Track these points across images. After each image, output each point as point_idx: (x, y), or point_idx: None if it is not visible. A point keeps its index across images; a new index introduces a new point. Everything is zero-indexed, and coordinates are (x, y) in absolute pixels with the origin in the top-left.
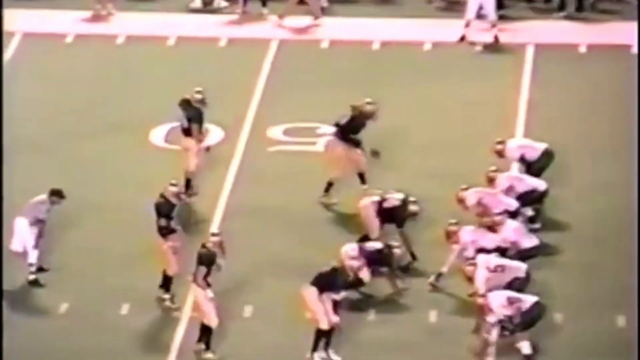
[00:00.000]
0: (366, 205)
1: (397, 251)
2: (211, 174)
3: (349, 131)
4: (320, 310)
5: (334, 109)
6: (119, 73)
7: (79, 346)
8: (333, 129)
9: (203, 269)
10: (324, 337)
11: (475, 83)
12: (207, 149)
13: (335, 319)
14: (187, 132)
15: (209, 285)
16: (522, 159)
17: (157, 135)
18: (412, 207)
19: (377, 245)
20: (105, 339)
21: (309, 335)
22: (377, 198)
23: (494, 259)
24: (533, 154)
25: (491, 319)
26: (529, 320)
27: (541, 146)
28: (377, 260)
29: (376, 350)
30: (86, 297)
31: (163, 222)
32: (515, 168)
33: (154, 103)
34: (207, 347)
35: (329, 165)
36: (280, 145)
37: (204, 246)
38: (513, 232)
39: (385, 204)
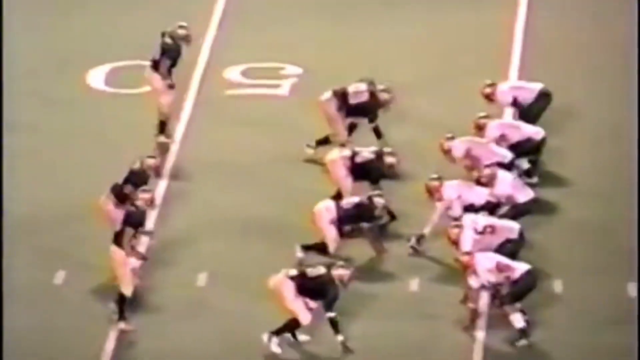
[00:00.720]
0: (335, 160)
1: (378, 200)
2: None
3: (354, 111)
4: (300, 308)
5: (300, 47)
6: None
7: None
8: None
9: (130, 231)
10: (296, 328)
11: (462, 10)
12: (172, 86)
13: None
14: (155, 66)
15: (137, 254)
16: (514, 103)
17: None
18: (389, 159)
19: (354, 199)
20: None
21: (271, 309)
22: (347, 152)
23: (483, 219)
24: (527, 97)
25: (473, 282)
26: (519, 291)
27: (536, 87)
28: (357, 217)
29: (351, 324)
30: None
31: (128, 189)
32: (508, 113)
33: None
34: (120, 317)
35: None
36: (239, 88)
37: (132, 204)
38: (506, 185)
39: (358, 159)
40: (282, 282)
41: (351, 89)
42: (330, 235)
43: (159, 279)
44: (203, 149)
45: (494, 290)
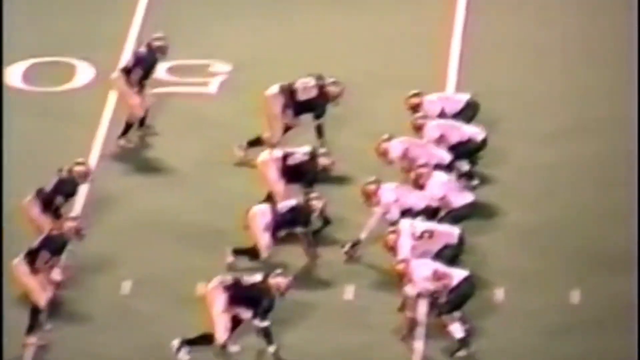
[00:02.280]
0: (266, 161)
1: (315, 203)
2: (80, 122)
3: (301, 107)
4: (221, 325)
5: (229, 44)
6: None
7: None
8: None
9: (45, 254)
10: (209, 344)
11: (401, 10)
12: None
13: (226, 341)
14: (127, 72)
15: (50, 280)
16: (442, 114)
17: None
18: (323, 161)
19: (290, 202)
20: None
21: (200, 316)
22: (279, 153)
23: (420, 224)
24: (454, 107)
25: (410, 290)
26: (457, 299)
27: (463, 97)
28: (292, 221)
29: (283, 333)
30: None
31: (59, 200)
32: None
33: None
34: (30, 330)
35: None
36: (165, 86)
37: (55, 228)
38: (441, 186)
39: (290, 160)
40: (215, 292)
41: (299, 84)
42: (263, 240)
43: (82, 287)
44: (129, 150)
45: (432, 298)
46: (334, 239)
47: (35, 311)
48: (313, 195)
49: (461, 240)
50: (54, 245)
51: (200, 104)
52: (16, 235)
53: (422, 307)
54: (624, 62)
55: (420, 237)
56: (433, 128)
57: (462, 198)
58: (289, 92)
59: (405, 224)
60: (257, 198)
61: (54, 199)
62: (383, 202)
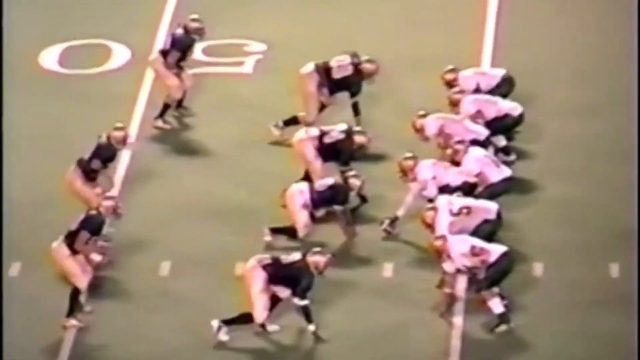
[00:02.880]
0: (302, 140)
1: (354, 182)
2: (116, 104)
3: (337, 86)
4: (260, 304)
5: (264, 23)
6: None
7: None
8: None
9: (85, 235)
10: (248, 323)
11: None
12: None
13: (265, 320)
14: (164, 56)
15: (93, 250)
16: (477, 89)
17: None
18: (359, 138)
19: (328, 181)
20: None
21: (239, 297)
22: (315, 132)
23: (458, 200)
24: (490, 83)
25: (448, 267)
26: (496, 275)
27: (499, 73)
28: (330, 199)
29: (323, 312)
30: None
31: (96, 164)
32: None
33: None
34: (70, 313)
35: (302, 98)
36: (201, 67)
37: (93, 207)
38: (477, 162)
39: (326, 139)
40: (253, 271)
41: (334, 62)
42: (301, 219)
43: (121, 268)
44: (166, 131)
45: (471, 274)
46: (371, 217)
47: (75, 293)
48: (351, 173)
49: (499, 215)
50: (92, 225)
51: (235, 84)
52: (54, 220)
53: (461, 283)
54: None
55: (458, 213)
56: (469, 103)
57: (499, 173)
58: (324, 70)
59: (443, 200)
60: (295, 177)
61: (93, 165)
62: (420, 179)
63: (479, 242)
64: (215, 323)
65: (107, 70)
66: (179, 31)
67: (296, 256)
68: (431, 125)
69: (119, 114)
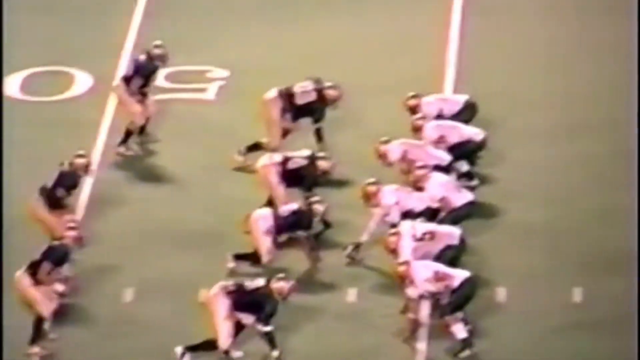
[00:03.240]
0: (266, 165)
1: (317, 207)
2: (79, 131)
3: (300, 111)
4: (225, 331)
5: (227, 49)
6: None
7: None
8: (276, 95)
9: (48, 265)
10: (212, 350)
11: (397, 14)
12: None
13: (229, 347)
14: (127, 82)
15: (56, 280)
16: (440, 115)
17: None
18: (323, 164)
19: (291, 206)
20: None
21: (203, 323)
22: (279, 157)
23: (421, 225)
24: (452, 109)
25: (412, 292)
26: (459, 300)
27: (461, 98)
28: (294, 225)
29: (287, 338)
30: None
31: (60, 192)
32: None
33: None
34: (33, 340)
35: (265, 124)
36: (163, 93)
37: (57, 236)
38: (439, 186)
39: (290, 164)
40: (217, 298)
41: (297, 88)
42: (265, 245)
43: (85, 295)
44: (129, 158)
45: (434, 299)
46: (335, 242)
47: (39, 321)
48: (314, 199)
49: (462, 240)
50: (55, 256)
51: (199, 110)
52: (19, 246)
53: (425, 309)
54: (623, 62)
55: (422, 238)
56: (432, 129)
57: (461, 197)
58: (287, 96)
59: (406, 225)
60: (258, 203)
61: (57, 193)
62: (383, 204)
63: (442, 268)
64: (179, 349)
65: (70, 97)
66: (142, 57)
67: (260, 282)
68: (394, 150)
69: (82, 141)
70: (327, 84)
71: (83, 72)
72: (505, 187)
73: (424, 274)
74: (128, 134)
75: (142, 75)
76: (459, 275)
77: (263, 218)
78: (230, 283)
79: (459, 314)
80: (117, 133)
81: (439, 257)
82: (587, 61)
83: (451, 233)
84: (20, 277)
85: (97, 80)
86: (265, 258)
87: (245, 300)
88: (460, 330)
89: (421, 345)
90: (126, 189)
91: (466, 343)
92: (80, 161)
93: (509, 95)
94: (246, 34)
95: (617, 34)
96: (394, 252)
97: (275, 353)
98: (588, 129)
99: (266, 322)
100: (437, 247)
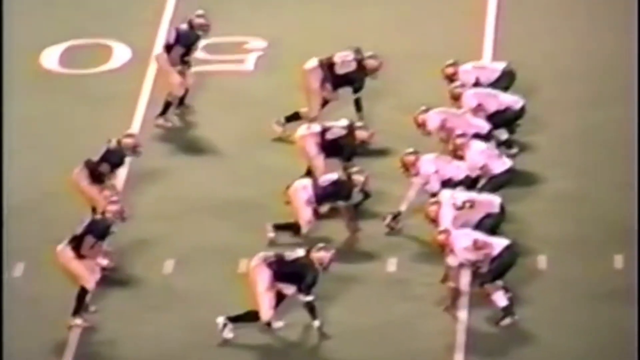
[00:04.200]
0: (304, 136)
1: (357, 177)
2: (118, 103)
3: (340, 81)
4: (266, 302)
5: (265, 20)
6: None
7: None
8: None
9: (90, 239)
10: (254, 321)
11: None
12: (181, 73)
13: (272, 318)
14: (168, 50)
15: (99, 254)
16: (477, 83)
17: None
18: (361, 134)
19: (331, 176)
20: None
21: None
22: (317, 128)
23: (461, 194)
24: (490, 76)
25: (451, 261)
26: (499, 268)
27: (499, 66)
28: (334, 195)
29: (327, 308)
30: None
31: (105, 168)
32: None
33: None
34: (76, 312)
35: (304, 93)
36: (202, 64)
37: (97, 211)
38: (479, 154)
39: (328, 135)
40: (258, 269)
41: (338, 58)
42: (305, 215)
43: (125, 266)
44: (168, 129)
45: (474, 268)
46: (374, 212)
47: (82, 293)
48: (354, 169)
49: (502, 209)
50: (98, 230)
51: (237, 81)
52: (59, 219)
53: (465, 277)
54: None
55: (462, 207)
56: (470, 97)
57: (501, 165)
58: (327, 66)
59: (446, 194)
60: (298, 173)
61: (101, 168)
62: (422, 173)
63: (481, 236)
64: (220, 320)
65: (108, 70)
66: (184, 26)
67: (300, 252)
68: (433, 119)
69: (120, 113)
70: (367, 53)
71: (122, 44)
72: (545, 155)
73: (464, 242)
74: (167, 105)
75: (183, 45)
76: (498, 243)
77: (303, 188)
78: (270, 254)
79: (499, 282)
80: (156, 105)
81: (478, 226)
82: (629, 30)
83: (491, 201)
84: (62, 250)
85: (135, 52)
86: (305, 228)
87: (286, 271)
88: (500, 298)
89: (462, 314)
90: (166, 161)
91: (507, 311)
92: (129, 140)
93: (547, 63)
94: (284, 5)
95: None
96: (434, 221)
97: (316, 323)
98: (625, 95)
99: (307, 292)
100: (477, 215)
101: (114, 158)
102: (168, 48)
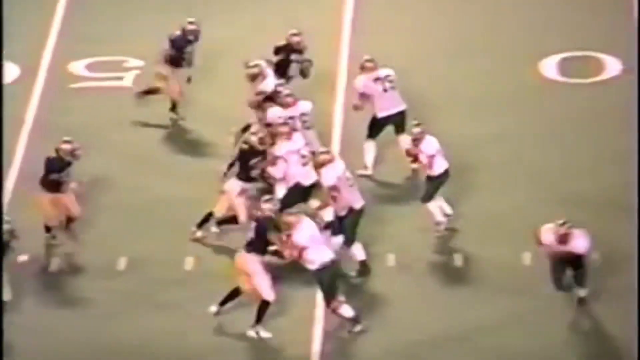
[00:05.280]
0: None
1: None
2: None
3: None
4: (264, 284)
5: (142, 39)
6: None
7: None
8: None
9: (54, 175)
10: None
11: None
12: (189, 79)
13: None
14: (168, 60)
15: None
16: None
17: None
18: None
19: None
20: None
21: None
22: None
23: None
24: None
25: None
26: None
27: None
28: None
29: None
30: None
31: (55, 176)
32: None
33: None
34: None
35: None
36: (83, 81)
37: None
38: None
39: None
40: (243, 258)
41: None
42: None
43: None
44: (49, 145)
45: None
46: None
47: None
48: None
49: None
50: (57, 166)
51: (116, 96)
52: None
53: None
54: None
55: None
56: None
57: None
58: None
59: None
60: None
61: (51, 177)
62: None
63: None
64: (213, 308)
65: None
66: (177, 33)
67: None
68: None
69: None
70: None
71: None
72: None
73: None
74: (174, 105)
75: (176, 50)
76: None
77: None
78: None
79: (341, 298)
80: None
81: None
82: None
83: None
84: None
85: (23, 69)
86: (242, 218)
87: (257, 243)
88: (347, 311)
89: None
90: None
91: (356, 320)
92: (66, 147)
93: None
94: (158, 27)
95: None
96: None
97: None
98: None
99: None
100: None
101: (55, 165)
102: (165, 56)
